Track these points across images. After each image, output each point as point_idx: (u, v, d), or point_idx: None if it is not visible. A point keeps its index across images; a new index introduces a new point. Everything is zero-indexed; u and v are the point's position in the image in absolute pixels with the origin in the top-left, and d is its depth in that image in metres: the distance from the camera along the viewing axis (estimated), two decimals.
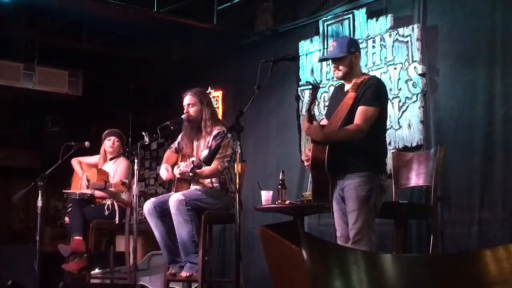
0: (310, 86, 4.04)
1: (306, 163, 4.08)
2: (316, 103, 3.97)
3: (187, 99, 5.08)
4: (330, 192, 4.01)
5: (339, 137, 3.99)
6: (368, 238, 3.88)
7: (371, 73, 5.68)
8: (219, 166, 4.83)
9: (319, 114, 5.46)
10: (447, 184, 5.06)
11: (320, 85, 4.13)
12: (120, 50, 8.13)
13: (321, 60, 4.31)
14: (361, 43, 5.83)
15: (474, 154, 5.02)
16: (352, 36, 5.96)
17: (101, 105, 8.90)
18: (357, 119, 3.97)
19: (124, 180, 5.71)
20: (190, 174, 4.72)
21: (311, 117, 4.01)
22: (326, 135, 3.97)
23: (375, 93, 4.02)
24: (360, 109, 3.98)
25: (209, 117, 5.03)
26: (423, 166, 4.88)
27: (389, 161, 5.37)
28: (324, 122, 4.24)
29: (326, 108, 5.93)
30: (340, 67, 4.13)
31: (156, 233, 4.90)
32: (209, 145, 4.92)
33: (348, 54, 4.11)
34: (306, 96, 6.29)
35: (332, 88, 6.07)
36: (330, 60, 4.30)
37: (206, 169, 4.82)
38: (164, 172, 5.02)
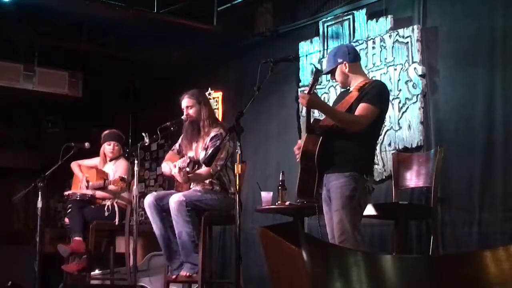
0: (313, 69, 4.04)
1: (296, 152, 4.09)
2: (316, 87, 3.99)
3: (185, 102, 5.10)
4: (316, 187, 4.00)
5: (335, 113, 4.01)
6: (353, 238, 3.86)
7: (371, 74, 5.69)
8: (211, 170, 4.86)
9: (319, 115, 5.45)
10: (447, 185, 5.06)
11: (322, 71, 4.21)
12: (120, 51, 8.13)
13: (323, 74, 4.40)
14: (361, 44, 5.84)
15: (474, 155, 5.01)
16: (352, 37, 5.97)
17: (101, 106, 8.90)
18: (358, 112, 3.98)
19: (123, 176, 5.72)
20: (187, 169, 4.74)
21: (310, 93, 3.98)
22: (325, 105, 4.08)
23: (378, 94, 4.03)
24: (362, 105, 3.98)
25: (207, 116, 5.05)
26: (423, 167, 4.88)
27: (389, 162, 5.39)
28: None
29: None
30: (336, 78, 4.23)
31: (154, 226, 4.94)
32: (205, 146, 4.93)
33: (335, 66, 4.17)
34: None
35: (332, 90, 6.08)
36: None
37: (200, 172, 4.85)
38: (167, 167, 5.01)
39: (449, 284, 1.81)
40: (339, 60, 4.16)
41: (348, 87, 4.23)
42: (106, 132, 6.23)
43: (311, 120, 4.14)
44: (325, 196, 4.06)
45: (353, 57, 4.21)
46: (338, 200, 3.92)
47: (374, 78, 5.26)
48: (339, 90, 5.51)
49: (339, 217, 3.90)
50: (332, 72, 4.23)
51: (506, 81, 4.90)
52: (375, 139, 4.25)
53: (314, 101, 3.94)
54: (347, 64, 4.15)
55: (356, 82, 4.14)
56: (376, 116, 4.00)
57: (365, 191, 3.98)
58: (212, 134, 4.96)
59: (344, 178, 3.93)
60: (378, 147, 5.55)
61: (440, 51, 5.38)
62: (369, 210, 4.35)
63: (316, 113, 5.75)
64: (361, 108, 3.98)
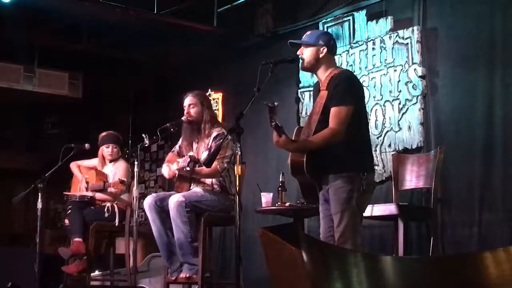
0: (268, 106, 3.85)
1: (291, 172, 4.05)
2: (276, 120, 3.80)
3: (188, 99, 5.10)
4: (318, 191, 3.96)
5: (313, 144, 3.86)
6: (353, 241, 3.78)
7: (371, 75, 5.70)
8: (218, 167, 4.85)
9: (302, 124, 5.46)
10: (447, 186, 5.06)
11: (275, 104, 3.91)
12: (120, 52, 8.13)
13: (290, 42, 4.20)
14: (361, 45, 5.84)
15: (474, 156, 5.02)
16: (352, 38, 5.97)
17: (101, 107, 8.90)
18: (331, 122, 3.84)
19: (123, 179, 5.72)
20: (187, 168, 4.74)
21: (278, 131, 3.84)
22: (299, 145, 3.88)
23: (344, 91, 3.85)
24: (333, 110, 3.84)
25: (209, 119, 5.06)
26: (423, 168, 4.89)
27: (389, 163, 5.39)
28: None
29: None
30: (304, 56, 4.01)
31: (154, 227, 4.94)
32: (208, 146, 4.93)
33: (313, 44, 3.99)
34: (306, 98, 6.30)
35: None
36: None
37: (205, 167, 4.83)
38: (166, 169, 5.04)
39: (449, 285, 1.81)
40: (321, 42, 3.99)
41: (311, 73, 4.15)
42: (103, 134, 6.20)
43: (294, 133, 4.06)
44: (320, 195, 3.98)
45: (332, 49, 4.07)
46: (336, 203, 3.84)
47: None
48: None
49: (338, 220, 3.83)
50: (304, 46, 4.02)
51: (506, 82, 4.91)
52: (365, 133, 4.05)
53: (288, 148, 3.88)
54: (325, 50, 3.98)
55: (323, 75, 3.99)
56: (352, 113, 3.84)
57: (363, 190, 3.83)
58: (215, 134, 4.97)
59: (340, 179, 3.82)
60: (378, 148, 5.55)
61: (440, 52, 5.38)
62: (369, 211, 4.34)
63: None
64: (333, 115, 3.83)
